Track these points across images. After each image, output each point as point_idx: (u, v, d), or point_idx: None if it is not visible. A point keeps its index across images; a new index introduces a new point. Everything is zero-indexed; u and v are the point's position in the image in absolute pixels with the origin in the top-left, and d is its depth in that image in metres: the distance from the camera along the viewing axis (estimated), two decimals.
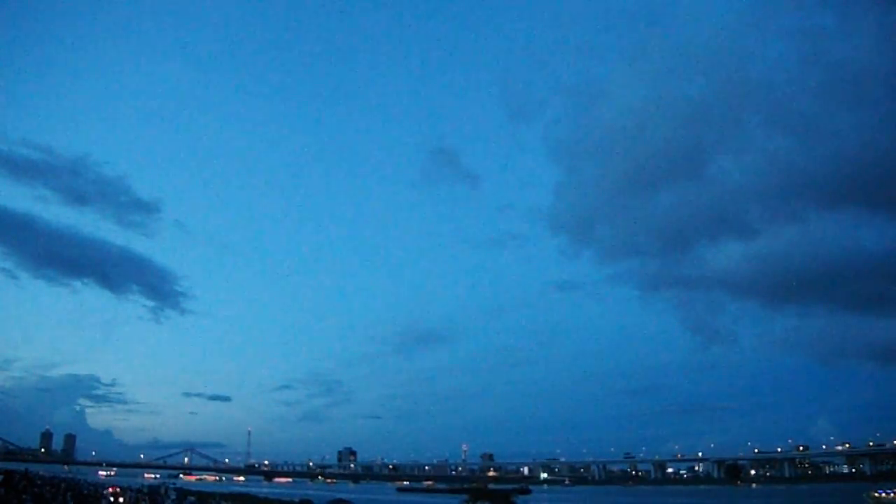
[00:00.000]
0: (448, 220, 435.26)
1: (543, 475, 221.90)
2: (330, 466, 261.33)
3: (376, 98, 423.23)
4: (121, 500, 48.97)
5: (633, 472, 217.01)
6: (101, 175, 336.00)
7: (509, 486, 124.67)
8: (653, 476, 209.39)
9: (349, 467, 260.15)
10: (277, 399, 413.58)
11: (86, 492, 53.12)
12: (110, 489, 54.46)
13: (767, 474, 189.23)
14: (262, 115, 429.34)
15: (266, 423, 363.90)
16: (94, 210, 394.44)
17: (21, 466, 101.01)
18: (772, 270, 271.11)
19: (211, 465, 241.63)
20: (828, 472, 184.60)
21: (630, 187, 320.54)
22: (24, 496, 37.68)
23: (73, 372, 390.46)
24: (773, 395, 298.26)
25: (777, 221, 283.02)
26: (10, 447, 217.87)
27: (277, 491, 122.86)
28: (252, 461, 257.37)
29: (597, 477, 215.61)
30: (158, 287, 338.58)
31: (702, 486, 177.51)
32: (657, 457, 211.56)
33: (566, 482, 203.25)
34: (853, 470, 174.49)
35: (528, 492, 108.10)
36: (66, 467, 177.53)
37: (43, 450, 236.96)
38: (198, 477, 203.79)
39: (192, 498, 66.86)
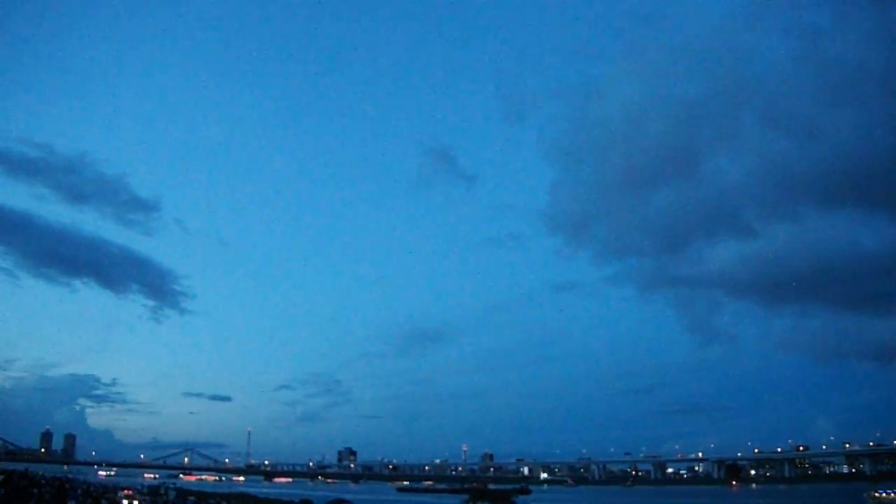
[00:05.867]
0: (445, 220, 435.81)
1: (543, 475, 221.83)
2: (330, 466, 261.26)
3: (373, 99, 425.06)
4: (135, 502, 49.32)
5: (633, 472, 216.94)
6: (101, 173, 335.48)
7: (509, 486, 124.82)
8: (653, 476, 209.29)
9: (349, 467, 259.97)
10: (277, 399, 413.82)
11: (92, 491, 53.25)
12: (123, 491, 54.62)
13: (767, 474, 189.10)
14: (261, 115, 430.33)
15: (266, 423, 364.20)
16: (93, 209, 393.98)
17: (21, 466, 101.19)
18: (770, 270, 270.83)
19: (211, 465, 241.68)
20: (828, 472, 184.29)
21: (626, 187, 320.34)
22: (23, 496, 37.71)
23: (73, 372, 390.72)
24: (773, 395, 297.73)
25: (774, 221, 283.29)
26: (10, 447, 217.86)
27: (277, 491, 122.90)
28: (252, 461, 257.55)
29: (597, 477, 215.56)
30: (158, 286, 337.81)
31: (702, 486, 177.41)
32: (657, 457, 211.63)
33: (568, 482, 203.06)
34: (853, 470, 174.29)
35: (528, 492, 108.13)
36: (65, 467, 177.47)
37: (43, 450, 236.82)
38: (198, 477, 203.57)
39: (193, 498, 67.07)
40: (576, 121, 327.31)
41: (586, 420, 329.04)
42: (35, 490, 43.64)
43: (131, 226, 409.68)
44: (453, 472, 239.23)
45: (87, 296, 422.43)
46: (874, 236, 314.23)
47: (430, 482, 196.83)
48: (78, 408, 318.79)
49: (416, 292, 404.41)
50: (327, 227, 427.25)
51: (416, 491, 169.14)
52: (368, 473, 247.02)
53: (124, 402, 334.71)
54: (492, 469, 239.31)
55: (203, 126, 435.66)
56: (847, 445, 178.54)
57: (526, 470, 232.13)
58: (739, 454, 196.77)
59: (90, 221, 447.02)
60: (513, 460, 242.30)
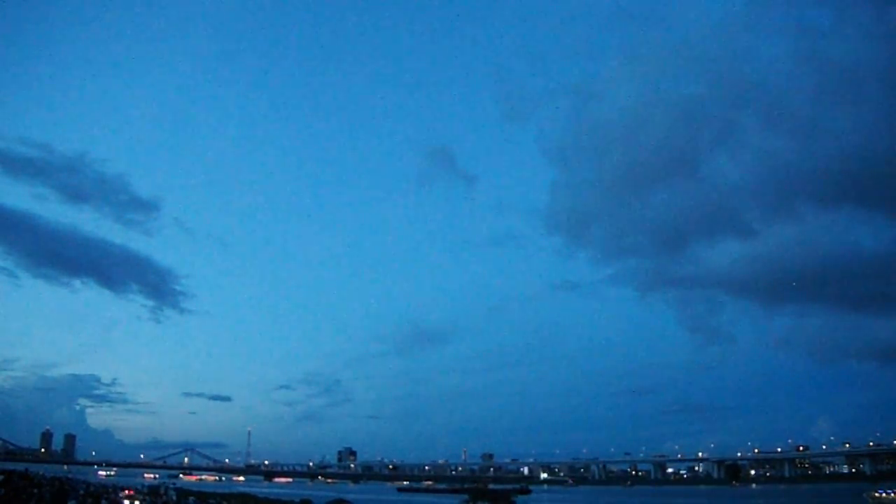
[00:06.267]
0: (445, 219, 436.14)
1: (543, 475, 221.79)
2: (330, 466, 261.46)
3: (373, 98, 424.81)
4: (136, 502, 49.47)
5: (633, 472, 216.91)
6: (100, 173, 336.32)
7: (509, 486, 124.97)
8: (653, 476, 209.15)
9: (349, 467, 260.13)
10: (277, 399, 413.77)
11: (92, 490, 53.30)
12: (125, 491, 54.73)
13: (767, 474, 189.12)
14: (261, 114, 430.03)
15: (266, 423, 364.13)
16: (93, 208, 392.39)
17: (21, 466, 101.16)
18: (770, 270, 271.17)
19: (211, 465, 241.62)
20: (828, 472, 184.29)
21: (626, 186, 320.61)
22: (23, 496, 37.73)
23: (73, 372, 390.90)
24: (773, 395, 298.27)
25: (774, 220, 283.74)
26: (10, 447, 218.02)
27: (277, 491, 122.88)
28: (252, 461, 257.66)
29: (597, 477, 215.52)
30: (158, 286, 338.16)
31: (702, 486, 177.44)
32: (657, 457, 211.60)
33: (569, 482, 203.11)
34: (853, 470, 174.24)
35: (528, 492, 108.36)
36: (65, 467, 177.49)
37: (43, 450, 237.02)
38: (198, 477, 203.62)
39: (193, 498, 67.07)
40: (576, 121, 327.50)
41: (586, 420, 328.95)
42: (35, 490, 43.65)
43: (131, 226, 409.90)
44: (453, 472, 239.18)
45: (87, 296, 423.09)
46: (874, 236, 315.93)
47: (430, 482, 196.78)
48: (78, 408, 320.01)
49: (416, 292, 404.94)
50: (327, 226, 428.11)
51: (416, 491, 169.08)
52: (368, 473, 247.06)
53: (124, 402, 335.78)
54: (492, 469, 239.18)
55: (203, 126, 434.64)
56: (847, 445, 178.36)
57: (526, 470, 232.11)
58: (739, 454, 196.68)
59: (90, 221, 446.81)
60: (513, 460, 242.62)
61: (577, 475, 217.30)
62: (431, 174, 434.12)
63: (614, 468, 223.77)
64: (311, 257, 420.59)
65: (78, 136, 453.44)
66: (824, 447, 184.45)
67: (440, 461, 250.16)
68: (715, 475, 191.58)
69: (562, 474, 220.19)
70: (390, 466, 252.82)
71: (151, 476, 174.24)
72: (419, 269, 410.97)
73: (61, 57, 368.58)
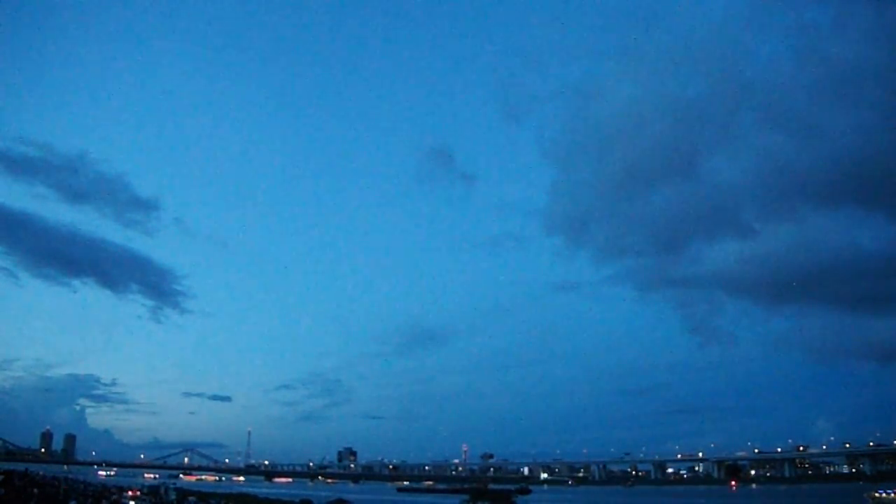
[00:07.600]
0: (445, 220, 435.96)
1: (543, 475, 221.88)
2: (330, 466, 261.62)
3: (372, 98, 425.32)
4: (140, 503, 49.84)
5: (633, 472, 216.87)
6: (100, 173, 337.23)
7: (509, 486, 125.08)
8: (653, 476, 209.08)
9: (349, 467, 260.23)
10: (277, 399, 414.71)
11: (92, 491, 53.36)
12: (130, 492, 55.01)
13: (767, 474, 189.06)
14: (261, 114, 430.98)
15: (266, 423, 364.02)
16: (92, 208, 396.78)
17: (21, 466, 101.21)
18: (769, 270, 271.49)
19: (211, 465, 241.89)
20: (828, 472, 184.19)
21: (625, 187, 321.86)
22: (23, 496, 37.75)
23: (73, 372, 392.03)
24: (773, 395, 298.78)
25: (774, 220, 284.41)
26: (10, 447, 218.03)
27: (277, 491, 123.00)
28: (252, 461, 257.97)
29: (597, 477, 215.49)
30: (158, 286, 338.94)
31: (702, 486, 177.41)
32: (657, 457, 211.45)
33: (569, 482, 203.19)
34: (853, 470, 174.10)
35: (528, 492, 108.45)
36: (65, 467, 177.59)
37: (43, 450, 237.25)
38: (198, 477, 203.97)
39: (193, 498, 67.10)
40: (575, 121, 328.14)
41: (586, 420, 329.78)
42: (35, 490, 43.67)
43: (131, 225, 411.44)
44: (453, 472, 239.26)
45: (87, 296, 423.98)
46: (874, 236, 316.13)
47: (430, 482, 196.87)
48: (78, 408, 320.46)
49: (416, 292, 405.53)
50: (327, 226, 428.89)
51: (417, 491, 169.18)
52: (368, 473, 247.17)
53: (124, 402, 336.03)
54: (492, 469, 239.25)
55: (203, 126, 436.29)
56: (847, 445, 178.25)
57: (526, 470, 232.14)
58: (739, 454, 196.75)
59: (90, 221, 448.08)
60: (513, 460, 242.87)
61: (577, 475, 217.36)
62: (431, 174, 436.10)
63: (614, 468, 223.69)
64: (311, 257, 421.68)
65: (78, 136, 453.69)
66: (824, 447, 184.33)
67: (440, 461, 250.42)
68: (715, 475, 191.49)
69: (561, 474, 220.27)
70: (390, 466, 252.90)
71: (151, 476, 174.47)
72: (419, 269, 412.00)
73: (62, 57, 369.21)
